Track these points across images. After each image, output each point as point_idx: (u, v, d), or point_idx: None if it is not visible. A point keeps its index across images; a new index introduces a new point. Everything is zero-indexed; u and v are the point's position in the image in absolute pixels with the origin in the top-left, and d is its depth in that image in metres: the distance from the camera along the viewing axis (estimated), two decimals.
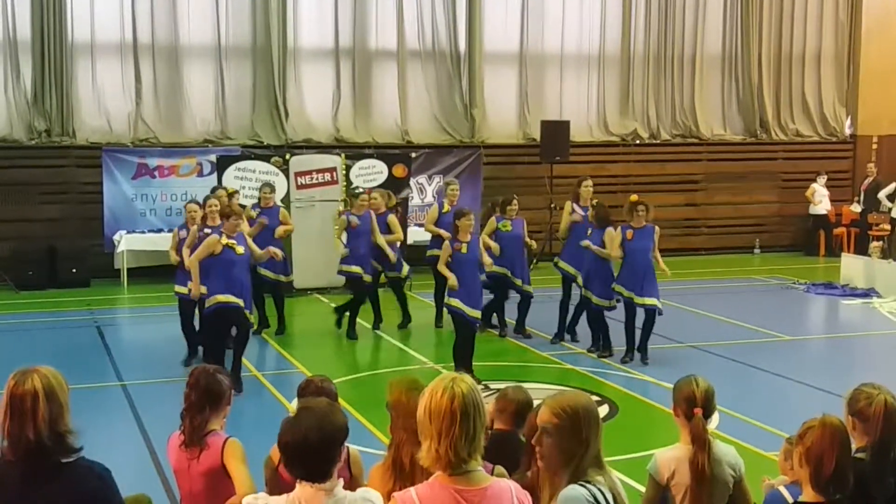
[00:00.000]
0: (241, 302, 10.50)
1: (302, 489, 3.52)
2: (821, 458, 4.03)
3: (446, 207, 13.81)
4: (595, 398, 10.07)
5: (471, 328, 11.00)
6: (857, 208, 20.88)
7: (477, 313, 11.10)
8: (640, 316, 11.76)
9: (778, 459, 5.63)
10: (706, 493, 4.61)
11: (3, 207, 17.24)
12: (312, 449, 3.49)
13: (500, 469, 4.22)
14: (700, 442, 4.61)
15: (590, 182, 13.32)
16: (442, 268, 11.06)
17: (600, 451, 3.63)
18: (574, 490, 3.49)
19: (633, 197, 12.35)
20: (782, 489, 4.50)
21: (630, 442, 8.70)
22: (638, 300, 11.65)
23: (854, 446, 4.42)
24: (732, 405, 9.39)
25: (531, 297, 13.09)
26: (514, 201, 13.06)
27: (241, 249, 10.60)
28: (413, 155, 18.17)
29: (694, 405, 4.62)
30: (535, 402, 4.75)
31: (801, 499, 4.16)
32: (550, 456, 3.62)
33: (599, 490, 3.51)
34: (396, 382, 4.79)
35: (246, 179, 15.78)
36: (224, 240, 10.52)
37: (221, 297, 10.43)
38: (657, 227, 11.90)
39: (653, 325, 11.81)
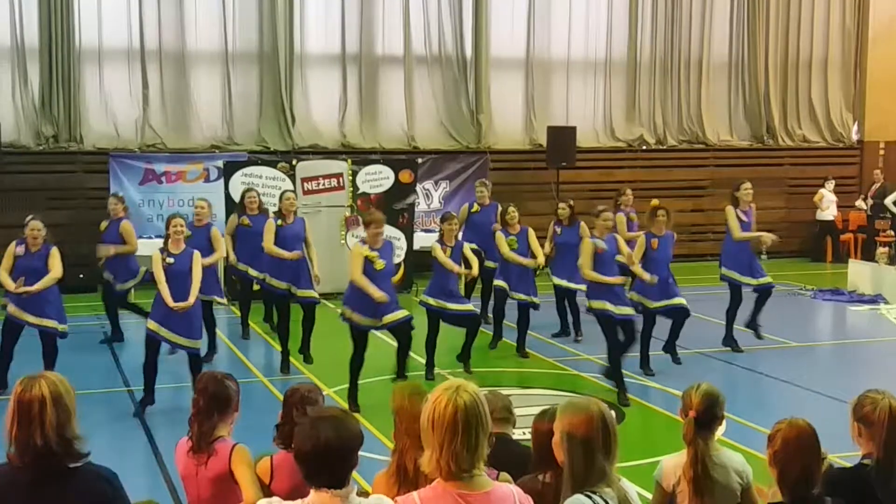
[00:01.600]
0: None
1: (318, 495, 3.51)
2: (787, 460, 4.03)
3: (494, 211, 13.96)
4: None
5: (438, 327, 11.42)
6: (862, 205, 20.86)
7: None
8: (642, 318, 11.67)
9: None
10: (704, 497, 4.61)
11: (10, 213, 17.27)
12: (333, 456, 3.48)
13: (505, 475, 4.22)
14: (687, 444, 4.64)
15: (748, 184, 12.79)
16: (446, 261, 11.16)
17: (611, 460, 3.62)
18: (577, 500, 3.49)
19: (655, 202, 12.27)
20: None
21: (636, 449, 8.69)
22: (663, 303, 11.52)
23: (861, 452, 4.44)
24: (739, 412, 9.38)
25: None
26: (511, 210, 12.55)
27: (381, 264, 10.00)
28: (419, 160, 18.18)
29: (688, 409, 4.66)
30: (540, 409, 4.76)
31: (771, 500, 4.17)
32: (560, 461, 3.62)
33: (605, 501, 3.50)
34: (400, 388, 4.79)
35: (252, 185, 15.76)
36: (366, 251, 9.95)
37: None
38: (675, 235, 11.84)
39: (684, 322, 11.73)
